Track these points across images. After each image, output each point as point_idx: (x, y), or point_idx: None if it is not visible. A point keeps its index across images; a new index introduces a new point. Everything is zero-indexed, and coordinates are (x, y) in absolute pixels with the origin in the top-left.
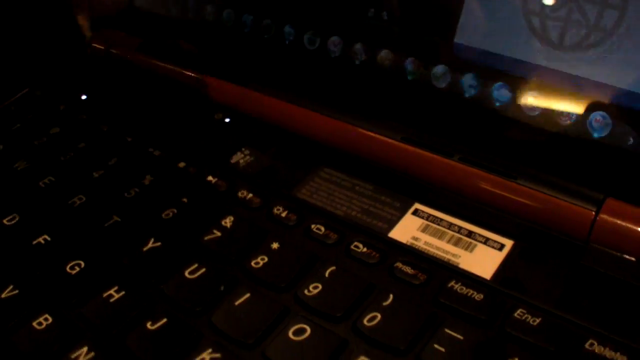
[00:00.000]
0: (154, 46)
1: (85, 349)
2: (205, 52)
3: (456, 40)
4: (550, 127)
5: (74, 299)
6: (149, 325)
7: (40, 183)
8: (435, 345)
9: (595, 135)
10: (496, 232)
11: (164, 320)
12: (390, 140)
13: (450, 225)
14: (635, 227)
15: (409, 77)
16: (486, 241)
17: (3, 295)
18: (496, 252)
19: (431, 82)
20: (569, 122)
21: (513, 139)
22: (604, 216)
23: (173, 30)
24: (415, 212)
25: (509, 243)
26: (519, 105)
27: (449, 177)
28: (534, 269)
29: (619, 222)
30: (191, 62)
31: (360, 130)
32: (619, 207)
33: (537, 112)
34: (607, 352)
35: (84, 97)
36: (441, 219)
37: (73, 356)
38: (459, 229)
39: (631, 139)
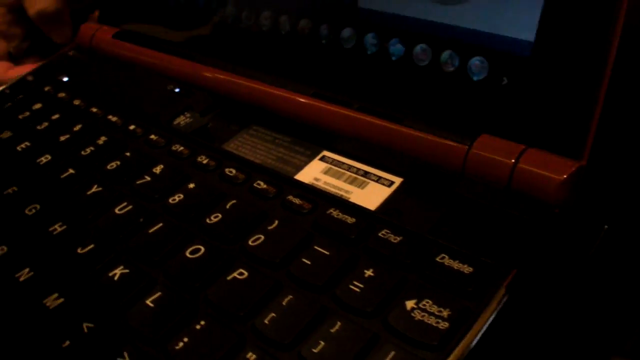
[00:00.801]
0: (126, 34)
1: None
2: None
3: (360, 5)
4: (437, 75)
5: None
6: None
7: (18, 147)
8: (304, 260)
9: (475, 78)
10: (388, 171)
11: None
12: (303, 97)
13: (349, 168)
14: (503, 159)
15: (323, 42)
16: (378, 179)
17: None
18: (385, 188)
19: (340, 43)
20: (452, 68)
21: (406, 87)
22: (476, 150)
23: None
24: (322, 158)
25: (398, 180)
26: (411, 57)
27: (350, 125)
28: (415, 200)
29: (488, 154)
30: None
31: (280, 91)
32: (490, 141)
33: (426, 62)
34: (456, 264)
35: (65, 79)
36: (343, 163)
37: None
38: (357, 170)
39: (505, 80)
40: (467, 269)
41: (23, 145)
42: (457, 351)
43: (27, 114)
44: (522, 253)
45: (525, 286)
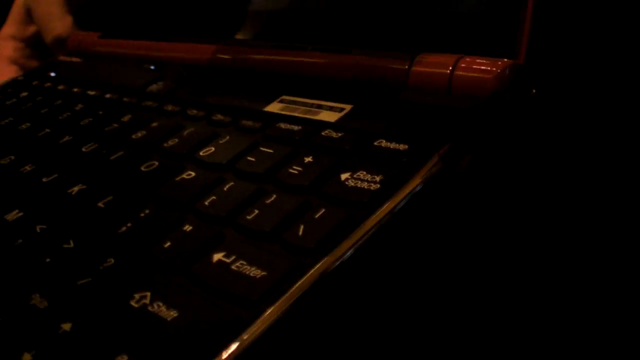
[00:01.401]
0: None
1: None
2: None
3: None
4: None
5: None
6: None
7: (39, 134)
8: (249, 158)
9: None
10: (339, 101)
11: None
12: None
13: (304, 104)
14: (440, 70)
15: None
16: (330, 108)
17: None
18: (337, 113)
19: None
20: None
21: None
22: (415, 68)
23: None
24: (280, 101)
25: (348, 107)
26: None
27: (306, 66)
28: (362, 116)
29: (426, 69)
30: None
31: (242, 49)
32: (428, 57)
33: None
34: (392, 145)
35: (52, 74)
36: (298, 101)
37: None
38: (311, 105)
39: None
40: (402, 146)
41: (45, 131)
42: (385, 207)
43: (14, 100)
44: (458, 133)
45: (460, 158)
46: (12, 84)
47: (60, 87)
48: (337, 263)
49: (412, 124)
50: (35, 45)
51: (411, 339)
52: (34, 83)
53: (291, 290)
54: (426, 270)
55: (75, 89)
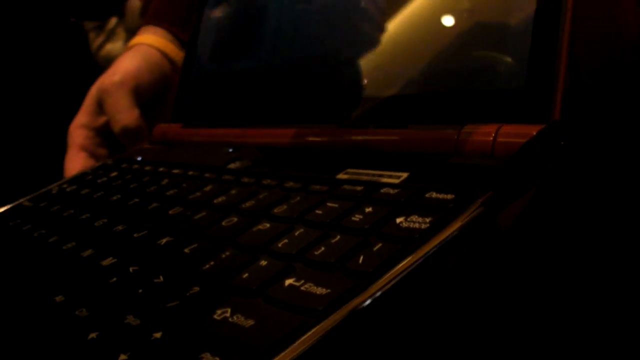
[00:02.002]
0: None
1: None
2: None
3: None
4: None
5: None
6: None
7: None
8: (316, 211)
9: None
10: (397, 171)
11: None
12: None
13: (366, 174)
14: (484, 138)
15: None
16: (390, 176)
17: None
18: (395, 180)
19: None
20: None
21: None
22: (463, 136)
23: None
24: (345, 173)
25: (405, 174)
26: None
27: (369, 142)
28: (418, 178)
29: (473, 138)
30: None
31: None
32: (474, 127)
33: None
34: (441, 195)
35: (139, 158)
36: (361, 173)
37: None
38: (372, 175)
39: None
40: (449, 196)
41: (134, 200)
42: (432, 241)
43: (120, 181)
44: (497, 183)
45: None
46: (103, 166)
47: (147, 168)
48: (390, 284)
49: (459, 180)
50: (105, 135)
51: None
52: (123, 165)
53: (351, 302)
54: (468, 296)
55: (161, 169)
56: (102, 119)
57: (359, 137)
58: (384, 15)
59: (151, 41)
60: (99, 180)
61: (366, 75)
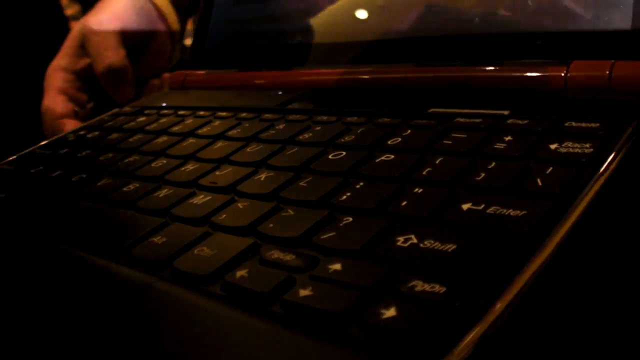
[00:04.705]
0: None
1: None
2: None
3: None
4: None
5: None
6: None
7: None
8: (444, 141)
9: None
10: (497, 109)
11: None
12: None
13: (459, 114)
14: (598, 73)
15: None
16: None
17: None
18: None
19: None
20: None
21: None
22: (573, 72)
23: None
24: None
25: (506, 112)
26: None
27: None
28: (526, 114)
29: (584, 73)
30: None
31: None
32: (582, 63)
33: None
34: (583, 124)
35: (163, 104)
36: (451, 112)
37: None
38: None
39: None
40: (594, 125)
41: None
42: (607, 164)
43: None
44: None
45: None
46: (117, 113)
47: (182, 112)
48: (587, 206)
49: (583, 113)
50: (86, 79)
51: None
52: (146, 112)
53: (564, 222)
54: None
55: (202, 112)
56: (83, 61)
57: (447, 74)
58: None
59: None
60: (124, 125)
61: (443, 13)
